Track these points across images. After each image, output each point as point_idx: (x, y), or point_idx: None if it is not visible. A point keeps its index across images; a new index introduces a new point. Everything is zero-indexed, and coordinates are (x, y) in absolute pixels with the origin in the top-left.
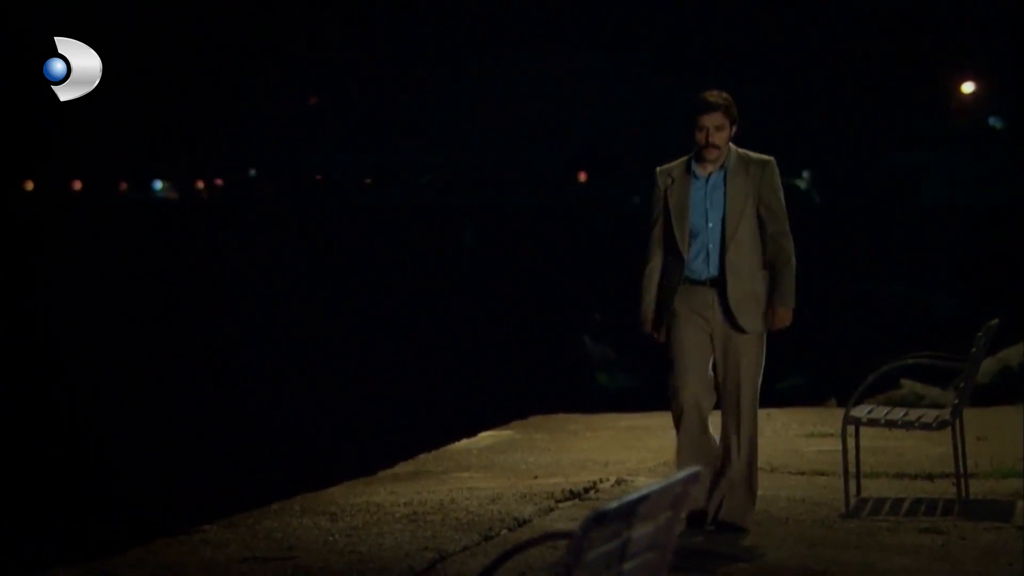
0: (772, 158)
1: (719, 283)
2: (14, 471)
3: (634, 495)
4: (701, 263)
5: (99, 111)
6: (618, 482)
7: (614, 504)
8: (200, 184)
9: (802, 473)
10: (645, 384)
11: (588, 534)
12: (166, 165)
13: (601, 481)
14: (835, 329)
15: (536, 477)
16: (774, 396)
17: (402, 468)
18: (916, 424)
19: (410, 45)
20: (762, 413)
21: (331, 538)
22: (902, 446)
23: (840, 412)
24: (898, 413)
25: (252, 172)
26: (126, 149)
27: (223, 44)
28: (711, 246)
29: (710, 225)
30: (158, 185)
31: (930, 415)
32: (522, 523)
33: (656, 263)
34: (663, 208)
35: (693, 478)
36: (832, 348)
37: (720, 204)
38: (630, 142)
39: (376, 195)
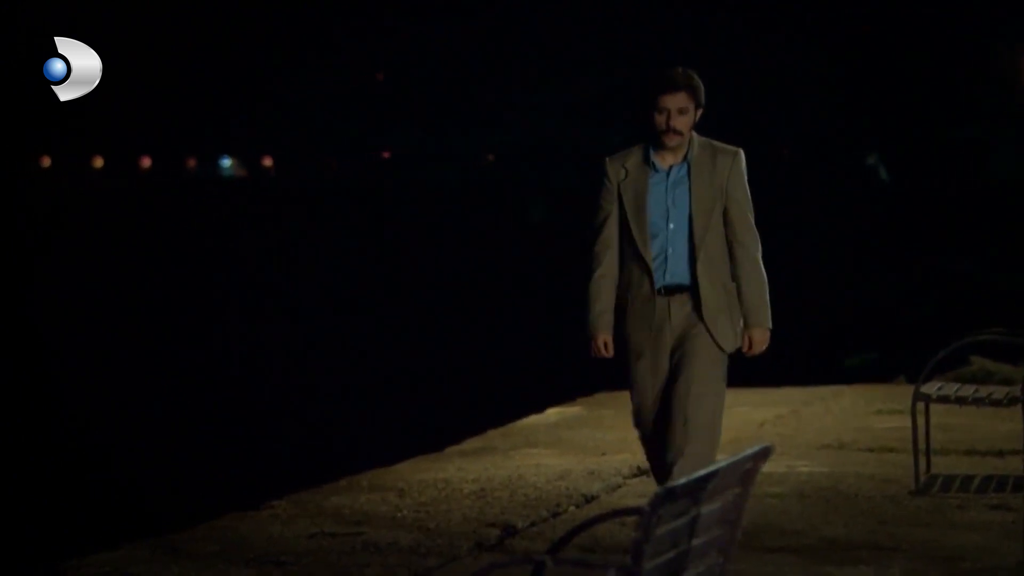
0: (740, 149)
1: (683, 291)
2: (81, 447)
3: (703, 471)
4: (661, 269)
5: (166, 87)
6: None
7: (683, 480)
8: (268, 161)
9: (871, 450)
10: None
11: (658, 510)
12: (234, 142)
13: None
14: (904, 306)
15: (604, 453)
16: (843, 373)
17: (470, 444)
18: (986, 401)
19: (478, 22)
20: (831, 390)
21: (399, 514)
22: (972, 423)
23: (909, 389)
24: (968, 390)
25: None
26: (193, 126)
27: (291, 19)
28: (671, 250)
29: (671, 226)
30: (226, 162)
31: (1000, 392)
32: (590, 499)
33: (610, 267)
34: (616, 205)
35: (764, 453)
36: (901, 325)
37: (685, 202)
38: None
39: (442, 172)
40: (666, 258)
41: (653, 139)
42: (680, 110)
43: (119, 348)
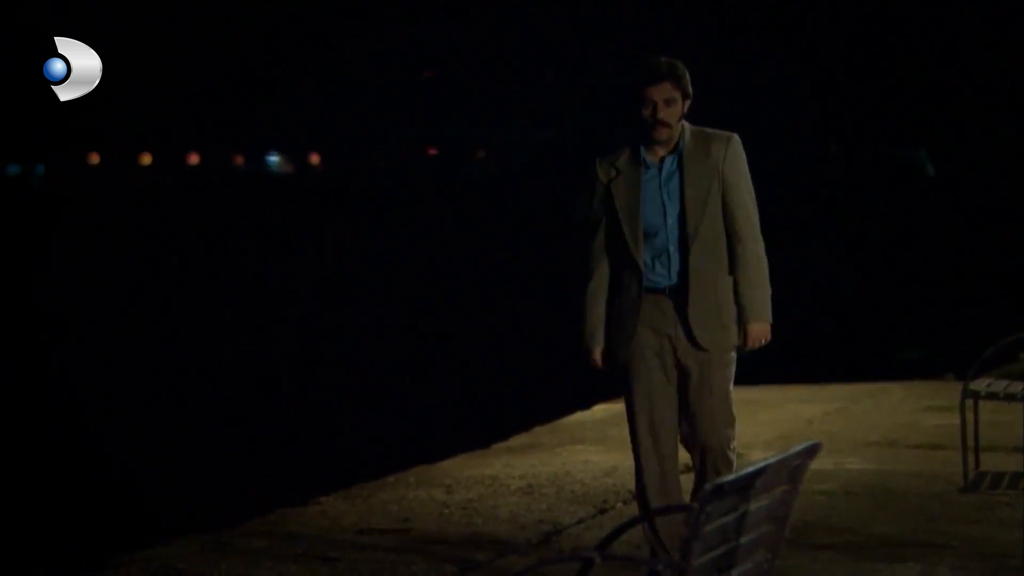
0: (735, 134)
1: (684, 291)
2: (134, 442)
3: (752, 468)
4: (661, 269)
5: (216, 85)
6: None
7: (731, 477)
8: (315, 158)
9: (920, 447)
10: (757, 357)
11: (706, 507)
12: (281, 138)
13: None
14: (952, 302)
15: None
16: (892, 369)
17: (517, 441)
18: None
19: (523, 16)
20: (879, 387)
21: (446, 510)
22: (1021, 420)
23: (958, 386)
24: (1017, 387)
25: (357, 146)
26: (241, 122)
27: (339, 15)
28: (671, 247)
29: (669, 222)
30: (273, 159)
31: None
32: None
33: (602, 277)
34: (607, 207)
35: (813, 450)
36: (950, 321)
37: (678, 194)
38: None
39: (488, 167)
40: (667, 256)
41: (643, 134)
42: (666, 101)
43: (168, 342)
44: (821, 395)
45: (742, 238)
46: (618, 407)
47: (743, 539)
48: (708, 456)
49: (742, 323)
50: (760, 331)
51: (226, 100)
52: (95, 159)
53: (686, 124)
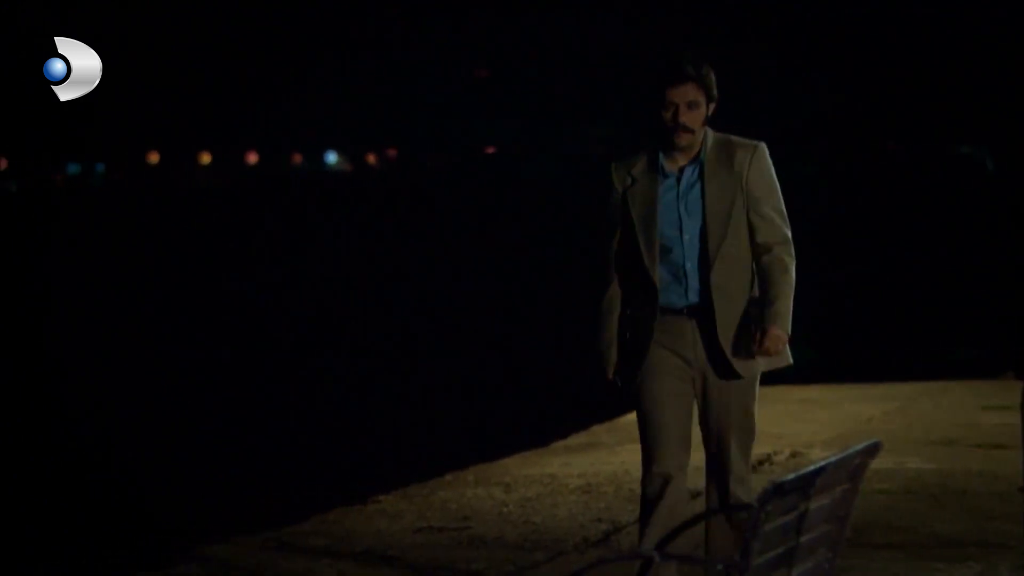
0: (761, 142)
1: (702, 312)
2: (198, 439)
3: (812, 467)
4: (677, 287)
5: (274, 85)
6: (793, 455)
7: (792, 476)
8: (372, 157)
9: (980, 446)
10: (817, 356)
11: (766, 506)
12: (338, 137)
13: (775, 454)
14: (1013, 300)
15: None
16: (951, 368)
17: (575, 440)
18: None
19: (578, 16)
20: (938, 385)
21: (505, 509)
22: None
23: (1018, 384)
24: None
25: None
26: (300, 122)
27: (396, 16)
28: (689, 265)
29: (686, 237)
30: (332, 157)
31: None
32: (696, 495)
33: (617, 289)
34: (623, 216)
35: (873, 449)
36: (1010, 320)
37: (698, 208)
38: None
39: (546, 167)
40: (685, 274)
41: (662, 139)
42: (689, 104)
43: (223, 338)
44: (879, 394)
45: (771, 252)
46: None
47: (803, 538)
48: (729, 479)
49: (761, 326)
50: (778, 338)
51: (285, 100)
52: (154, 158)
53: (709, 131)
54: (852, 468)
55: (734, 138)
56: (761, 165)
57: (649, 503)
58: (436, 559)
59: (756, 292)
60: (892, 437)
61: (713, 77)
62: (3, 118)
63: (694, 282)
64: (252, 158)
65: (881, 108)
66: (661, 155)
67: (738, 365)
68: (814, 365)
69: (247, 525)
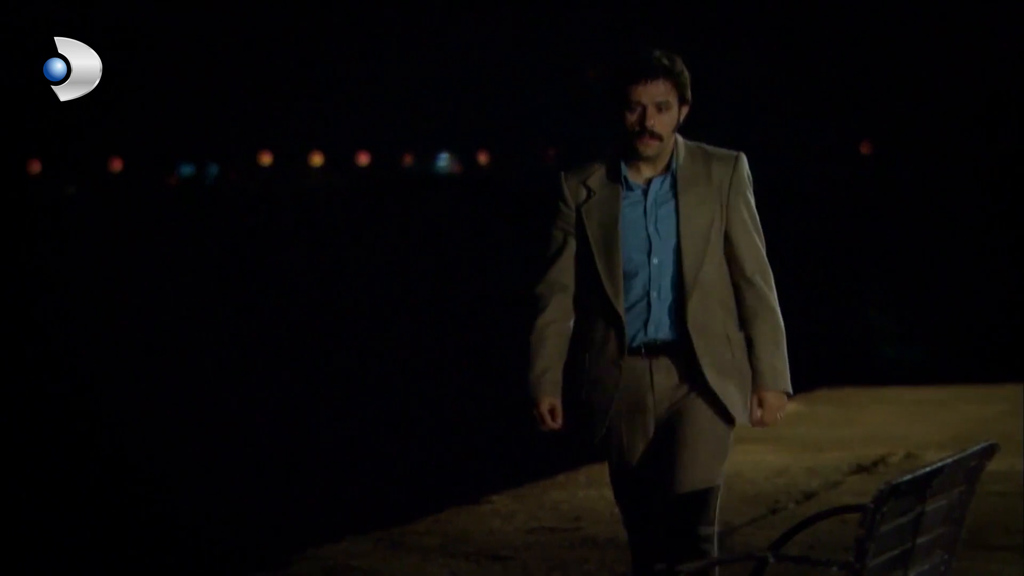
0: (741, 152)
1: (673, 351)
2: (310, 438)
3: (928, 468)
4: (640, 320)
5: (383, 85)
6: (907, 456)
7: (908, 477)
8: (483, 157)
9: None
10: (932, 356)
11: (882, 508)
12: (450, 137)
13: (889, 455)
14: None
15: (822, 450)
16: None
17: None
18: None
19: (686, 16)
20: None
21: (616, 510)
22: None
23: None
24: None
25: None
26: (411, 123)
27: (505, 18)
28: (655, 294)
29: (655, 261)
30: (443, 158)
31: None
32: (809, 496)
33: (555, 317)
34: (578, 236)
35: (990, 450)
36: None
37: (671, 227)
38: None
39: None
40: (649, 304)
41: (625, 146)
42: (659, 105)
43: (328, 337)
44: (995, 395)
45: (753, 281)
46: (789, 407)
47: (919, 540)
48: (689, 540)
49: (755, 390)
50: (777, 402)
51: (396, 101)
52: (267, 159)
53: (680, 138)
54: (968, 470)
55: (709, 148)
56: (742, 178)
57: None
58: (548, 559)
59: (733, 328)
60: (1008, 438)
61: (687, 76)
62: (118, 119)
63: (659, 314)
64: (363, 159)
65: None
66: (623, 165)
67: (715, 408)
68: (929, 365)
69: (360, 525)
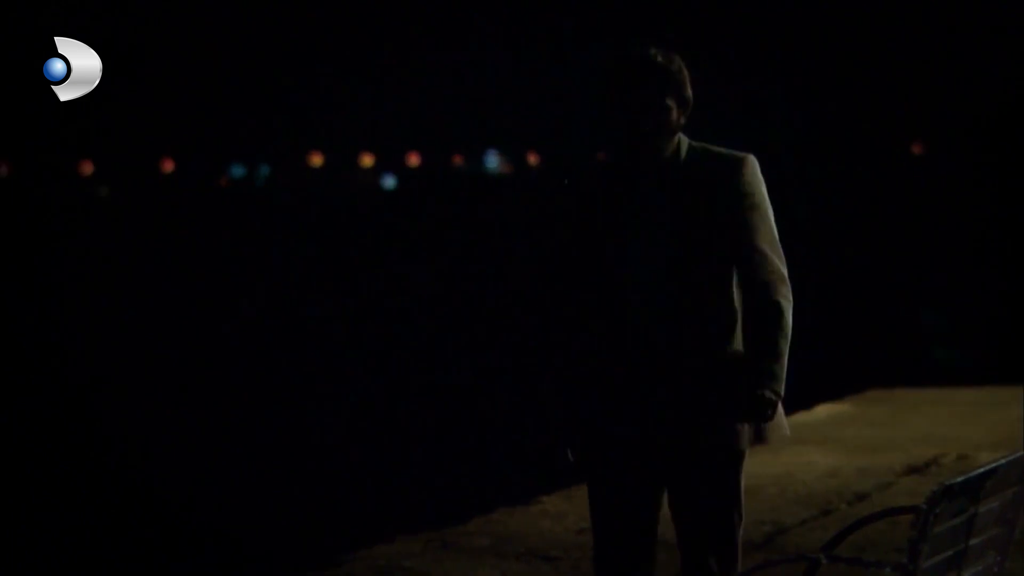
0: (750, 154)
1: (671, 367)
2: (360, 438)
3: (981, 469)
4: (639, 331)
5: (433, 85)
6: (959, 457)
7: (961, 479)
8: (533, 158)
9: None
10: (985, 358)
11: (935, 509)
12: (499, 138)
13: (942, 456)
14: None
15: (874, 451)
16: None
17: None
18: None
19: (743, 14)
20: None
21: (668, 510)
22: None
23: None
24: None
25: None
26: (461, 123)
27: (551, 18)
28: (657, 304)
29: (654, 269)
30: (492, 158)
31: None
32: (861, 497)
33: (562, 335)
34: (573, 242)
35: None
36: None
37: (670, 235)
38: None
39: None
40: (647, 315)
41: (620, 149)
42: (653, 106)
43: (394, 335)
44: None
45: (764, 291)
46: (841, 408)
47: (972, 541)
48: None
49: (748, 387)
50: (765, 401)
51: (446, 101)
52: (317, 160)
53: (683, 138)
54: (1022, 471)
55: (715, 148)
56: (751, 182)
57: None
58: None
59: (738, 344)
60: None
61: (686, 73)
62: (170, 122)
63: (660, 329)
64: (413, 159)
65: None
66: (620, 169)
67: (716, 438)
68: (981, 367)
69: (411, 526)
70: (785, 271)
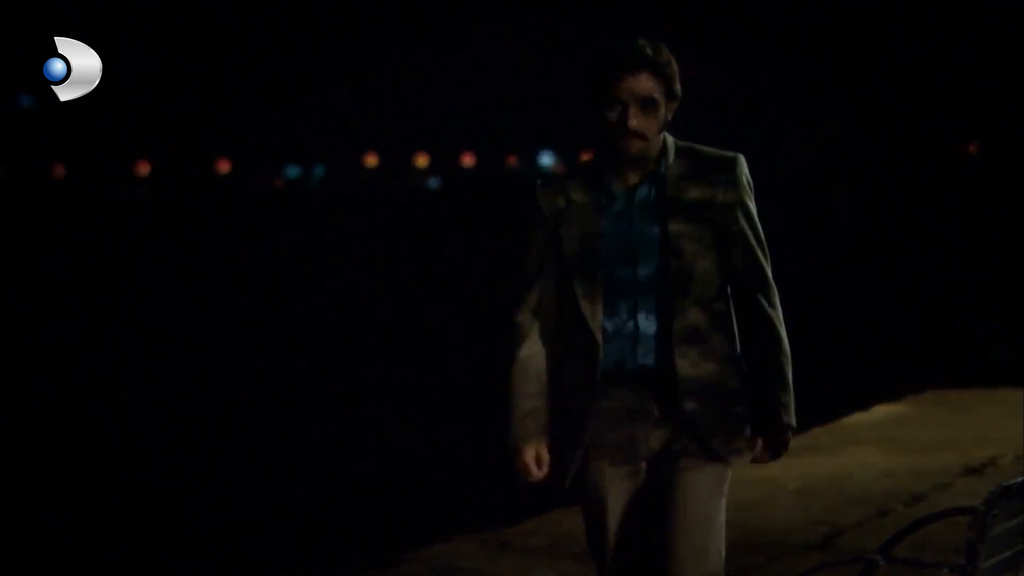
0: (739, 154)
1: (661, 378)
2: (413, 439)
3: None
4: (625, 344)
5: (485, 85)
6: (1017, 458)
7: (1019, 480)
8: (587, 157)
9: None
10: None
11: (993, 510)
12: (553, 137)
13: (1000, 456)
14: None
15: (931, 452)
16: None
17: (795, 442)
18: None
19: (789, 14)
20: None
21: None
22: None
23: None
24: None
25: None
26: (514, 123)
27: (604, 20)
28: (642, 315)
29: (642, 276)
30: (546, 158)
31: None
32: (918, 498)
33: (537, 350)
34: (555, 250)
35: None
36: None
37: (659, 238)
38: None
39: (755, 167)
40: (636, 326)
41: (606, 149)
42: (642, 101)
43: (452, 336)
44: None
45: (756, 300)
46: (898, 408)
47: None
48: None
49: (756, 427)
50: (779, 440)
51: (501, 101)
52: (372, 161)
53: (669, 138)
54: None
55: (704, 148)
56: (742, 185)
57: None
58: None
59: (732, 351)
60: None
61: (676, 67)
62: (225, 122)
63: (650, 337)
64: (468, 160)
65: None
66: (605, 170)
67: (708, 452)
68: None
69: (467, 525)
70: (770, 272)
